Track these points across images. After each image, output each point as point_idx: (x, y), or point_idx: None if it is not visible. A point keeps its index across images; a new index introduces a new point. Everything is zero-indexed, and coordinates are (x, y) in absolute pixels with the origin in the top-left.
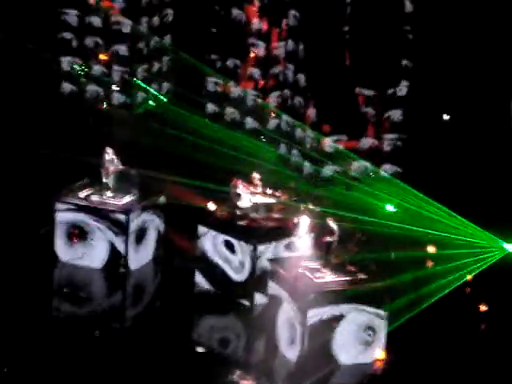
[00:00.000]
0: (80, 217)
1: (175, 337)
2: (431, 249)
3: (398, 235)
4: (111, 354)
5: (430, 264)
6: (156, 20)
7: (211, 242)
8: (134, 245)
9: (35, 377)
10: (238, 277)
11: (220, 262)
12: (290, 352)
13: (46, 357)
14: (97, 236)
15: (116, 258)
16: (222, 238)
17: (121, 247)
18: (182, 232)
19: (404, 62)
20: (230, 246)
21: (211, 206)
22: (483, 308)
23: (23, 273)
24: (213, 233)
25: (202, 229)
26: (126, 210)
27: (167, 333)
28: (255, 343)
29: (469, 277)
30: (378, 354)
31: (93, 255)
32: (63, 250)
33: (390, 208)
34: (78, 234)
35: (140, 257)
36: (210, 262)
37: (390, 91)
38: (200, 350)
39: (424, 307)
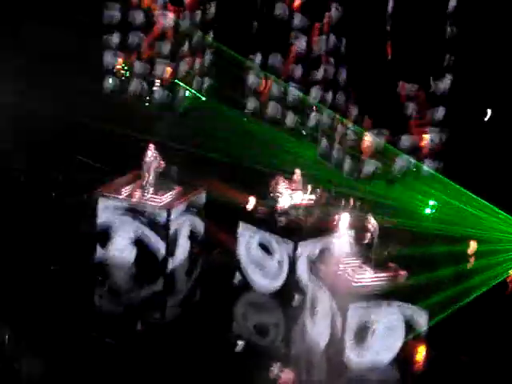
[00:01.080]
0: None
1: (214, 330)
2: (473, 244)
3: (439, 231)
4: (152, 347)
5: (471, 259)
6: (199, 15)
7: (245, 246)
8: (181, 242)
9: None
10: (274, 282)
11: (250, 270)
12: (330, 348)
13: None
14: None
15: (150, 255)
16: (258, 239)
17: (159, 244)
18: (222, 229)
19: (447, 56)
20: (265, 249)
21: (251, 203)
22: None
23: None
24: (249, 233)
25: (240, 227)
26: (167, 209)
27: (206, 326)
28: (294, 338)
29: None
30: (419, 349)
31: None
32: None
33: (429, 211)
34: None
35: (176, 255)
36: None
37: (433, 86)
38: (239, 344)
39: (465, 303)
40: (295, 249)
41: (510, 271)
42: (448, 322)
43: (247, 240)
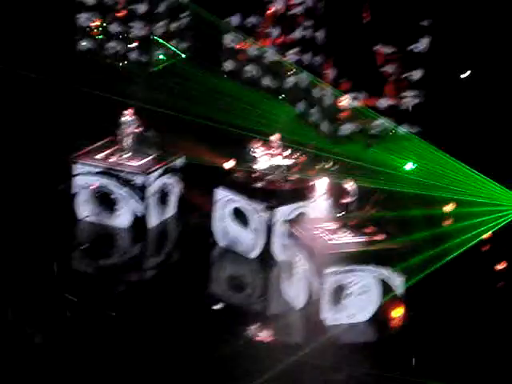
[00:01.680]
0: (103, 182)
1: (192, 290)
2: (450, 207)
3: (417, 193)
4: (128, 309)
5: (448, 222)
6: None
7: (219, 219)
8: (159, 206)
9: (54, 332)
10: (251, 254)
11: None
12: (306, 309)
13: (63, 313)
14: (121, 204)
15: (138, 221)
16: (232, 209)
17: (140, 209)
18: (200, 191)
19: (424, 21)
20: (241, 217)
21: (229, 165)
22: (501, 266)
23: (42, 230)
24: (224, 203)
25: (216, 195)
26: (144, 172)
27: (184, 286)
28: (271, 299)
29: (487, 234)
30: (396, 311)
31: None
32: (83, 209)
33: (409, 166)
34: (104, 200)
35: (153, 217)
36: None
37: (410, 48)
38: (217, 305)
39: (442, 265)
40: (272, 214)
41: (486, 234)
42: (425, 283)
43: (222, 213)
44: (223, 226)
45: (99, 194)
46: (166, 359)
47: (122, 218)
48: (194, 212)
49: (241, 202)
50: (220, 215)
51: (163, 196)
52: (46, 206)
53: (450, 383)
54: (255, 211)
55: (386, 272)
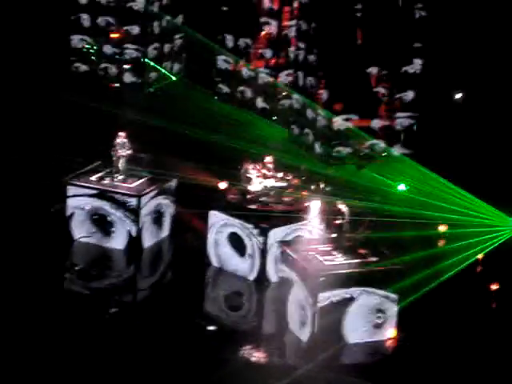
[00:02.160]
0: (97, 204)
1: (186, 311)
2: (442, 228)
3: (409, 215)
4: (121, 329)
5: (441, 243)
6: None
7: (214, 244)
8: (153, 227)
9: (48, 350)
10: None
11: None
12: (301, 333)
13: (57, 330)
14: (117, 226)
15: (133, 242)
16: (227, 235)
17: (134, 230)
18: (193, 213)
19: (416, 43)
20: (235, 243)
21: (222, 186)
22: (494, 287)
23: (36, 251)
24: (218, 227)
25: (210, 218)
26: (138, 194)
27: (178, 307)
28: (266, 322)
29: (480, 255)
30: (389, 333)
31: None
32: (78, 230)
33: (401, 188)
34: (99, 222)
35: (147, 238)
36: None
37: (403, 70)
38: (210, 327)
39: (434, 286)
40: (266, 238)
41: (479, 255)
42: (419, 304)
43: (216, 238)
44: (218, 251)
45: (95, 216)
46: (159, 380)
47: (117, 240)
48: (188, 233)
49: (235, 226)
50: (215, 240)
51: (158, 217)
52: (40, 227)
53: None
54: (250, 235)
55: (378, 298)
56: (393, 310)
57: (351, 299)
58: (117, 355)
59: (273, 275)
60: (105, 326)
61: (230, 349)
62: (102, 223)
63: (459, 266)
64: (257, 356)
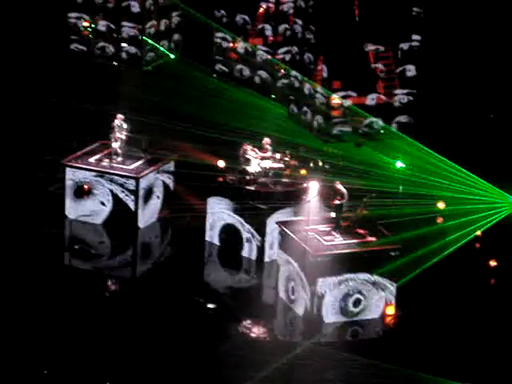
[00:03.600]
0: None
1: (185, 289)
2: (441, 205)
3: (407, 192)
4: (121, 309)
5: (439, 220)
6: None
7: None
8: (142, 204)
9: (48, 329)
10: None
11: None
12: (296, 309)
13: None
14: (101, 190)
15: (123, 214)
16: (223, 223)
17: (130, 205)
18: (192, 191)
19: (415, 12)
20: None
21: (221, 165)
22: (492, 263)
23: (33, 229)
24: (217, 214)
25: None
26: (136, 176)
27: (177, 285)
28: (262, 299)
29: (478, 232)
30: (388, 310)
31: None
32: (72, 209)
33: (399, 165)
34: (85, 190)
35: (147, 215)
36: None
37: (401, 46)
38: (210, 305)
39: (433, 263)
40: (264, 223)
41: (477, 231)
42: (418, 281)
43: (213, 223)
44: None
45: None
46: (159, 358)
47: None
48: (186, 212)
49: (233, 218)
50: (211, 234)
51: (153, 195)
52: (38, 206)
53: (443, 377)
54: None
55: (377, 280)
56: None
57: (346, 281)
58: (119, 334)
59: (272, 255)
60: (105, 305)
61: (229, 326)
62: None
63: (458, 243)
64: (256, 332)
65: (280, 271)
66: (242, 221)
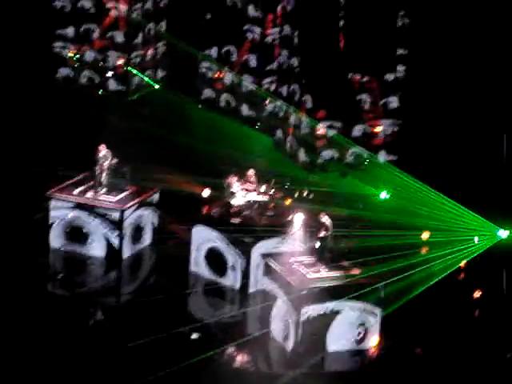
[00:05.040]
0: (77, 215)
1: (169, 318)
2: (425, 235)
3: (392, 221)
4: (105, 336)
5: (424, 250)
6: (150, 5)
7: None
8: (131, 241)
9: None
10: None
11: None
12: (285, 343)
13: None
14: (95, 236)
15: (113, 253)
16: (206, 251)
17: (115, 243)
18: (177, 221)
19: (400, 46)
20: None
21: (206, 194)
22: (477, 294)
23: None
24: (198, 243)
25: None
26: (120, 208)
27: (160, 314)
28: (251, 330)
29: (463, 263)
30: (372, 341)
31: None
32: (58, 240)
33: (383, 195)
34: (76, 234)
35: (130, 247)
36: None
37: (386, 77)
38: (194, 334)
39: (418, 293)
40: (248, 253)
41: (462, 261)
42: (402, 312)
43: (198, 256)
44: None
45: (71, 228)
46: None
47: (96, 249)
48: (171, 241)
49: (218, 243)
50: (196, 259)
51: (138, 228)
52: (22, 236)
53: None
54: (235, 255)
55: (361, 309)
56: (374, 322)
57: (335, 313)
58: (103, 361)
59: (255, 284)
60: (89, 332)
61: (214, 356)
62: (78, 234)
63: (442, 274)
64: (242, 363)
65: (264, 302)
66: (228, 244)
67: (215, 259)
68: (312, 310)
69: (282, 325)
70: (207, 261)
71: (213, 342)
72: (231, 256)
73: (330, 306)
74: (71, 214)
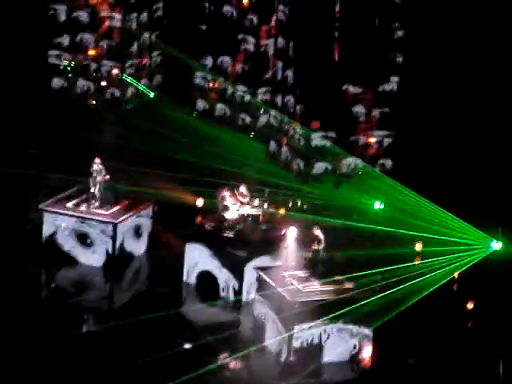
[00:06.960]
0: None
1: (162, 329)
2: (418, 246)
3: (385, 232)
4: (99, 344)
5: (417, 261)
6: (145, 15)
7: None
8: (134, 239)
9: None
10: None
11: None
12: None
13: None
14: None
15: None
16: (198, 270)
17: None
18: (171, 232)
19: (394, 57)
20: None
21: (199, 203)
22: (469, 306)
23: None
24: (192, 263)
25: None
26: (113, 223)
27: (155, 324)
28: (245, 341)
29: (456, 274)
30: (365, 352)
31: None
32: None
33: (377, 205)
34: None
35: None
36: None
37: (381, 88)
38: (187, 345)
39: (410, 304)
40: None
41: (455, 273)
42: (395, 323)
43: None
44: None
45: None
46: None
47: (95, 257)
48: (165, 251)
49: (210, 265)
50: (188, 277)
51: (134, 236)
52: (15, 249)
53: None
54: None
55: (354, 327)
56: (366, 342)
57: (327, 336)
58: (95, 372)
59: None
60: (82, 342)
61: (208, 366)
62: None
63: (435, 285)
64: (236, 373)
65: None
66: (220, 266)
67: (207, 283)
68: (304, 335)
69: (275, 346)
70: (199, 285)
71: (208, 354)
72: (223, 281)
73: (321, 328)
74: (64, 225)
